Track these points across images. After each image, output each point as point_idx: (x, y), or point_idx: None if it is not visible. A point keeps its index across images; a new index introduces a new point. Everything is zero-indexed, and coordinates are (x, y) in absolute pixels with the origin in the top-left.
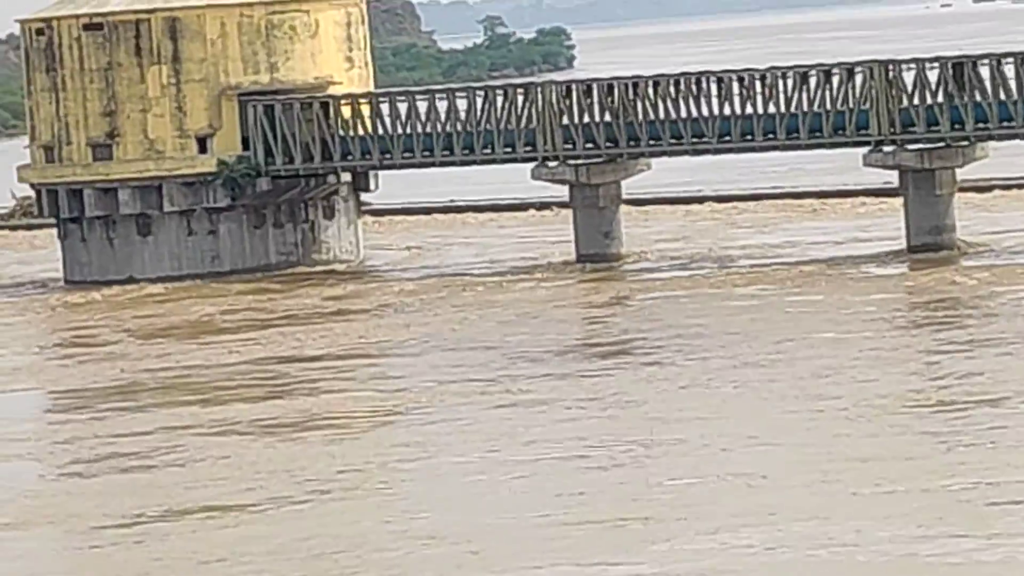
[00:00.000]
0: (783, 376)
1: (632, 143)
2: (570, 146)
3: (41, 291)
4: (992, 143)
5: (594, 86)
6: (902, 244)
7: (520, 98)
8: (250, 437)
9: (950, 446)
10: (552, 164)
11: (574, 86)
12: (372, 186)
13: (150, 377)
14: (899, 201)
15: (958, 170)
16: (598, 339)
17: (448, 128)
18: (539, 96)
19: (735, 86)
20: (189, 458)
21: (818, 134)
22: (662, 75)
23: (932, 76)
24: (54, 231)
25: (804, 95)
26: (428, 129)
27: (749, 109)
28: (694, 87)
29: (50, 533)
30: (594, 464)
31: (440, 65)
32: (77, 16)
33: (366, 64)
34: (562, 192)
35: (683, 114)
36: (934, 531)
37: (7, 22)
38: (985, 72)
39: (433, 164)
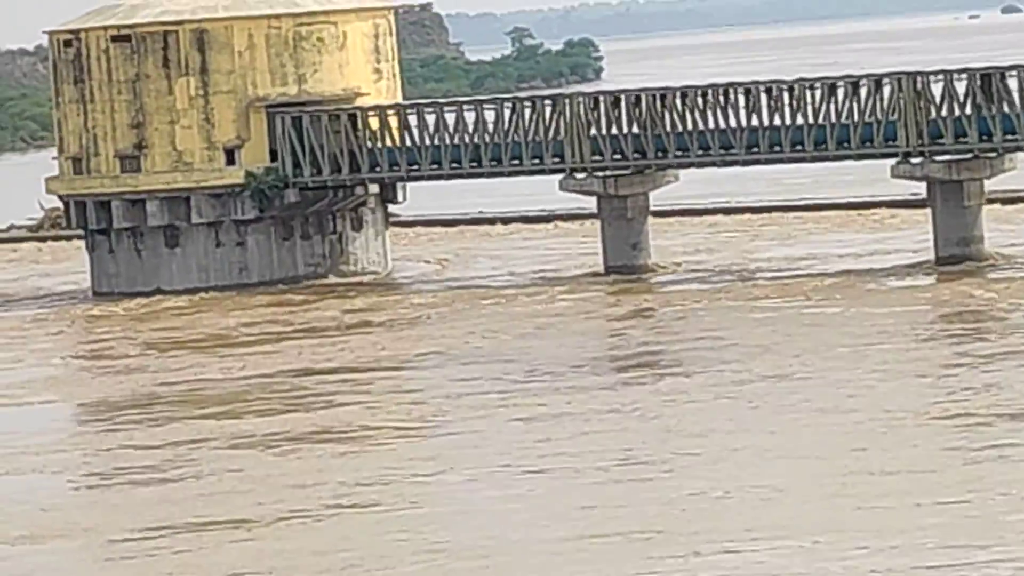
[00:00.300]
0: (802, 389)
1: (660, 155)
2: (598, 158)
3: (67, 303)
4: (1020, 154)
5: (622, 97)
6: (925, 256)
7: (548, 110)
8: (265, 450)
9: (967, 460)
10: (580, 176)
11: (602, 97)
12: (400, 198)
13: (167, 390)
14: (923, 213)
15: (986, 181)
16: (617, 352)
17: (476, 140)
18: (567, 108)
19: (763, 97)
20: (203, 471)
21: (846, 145)
22: (690, 86)
23: (960, 87)
24: (82, 242)
25: (832, 106)
26: (456, 141)
27: (777, 121)
28: (722, 98)
29: (64, 546)
30: (610, 478)
31: (468, 76)
32: (105, 28)
33: (394, 75)
34: (590, 204)
35: (711, 125)
36: (949, 546)
37: (35, 33)
38: (1013, 83)
39: (461, 176)
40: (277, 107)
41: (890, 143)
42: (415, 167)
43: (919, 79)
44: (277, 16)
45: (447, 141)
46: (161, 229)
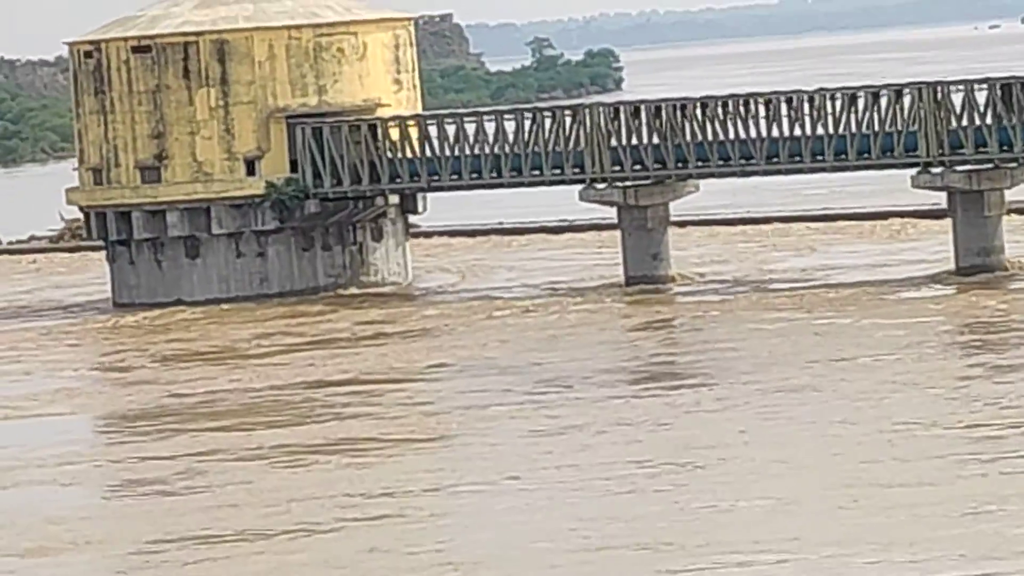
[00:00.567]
0: (814, 401)
1: (680, 165)
2: (618, 168)
3: (86, 314)
4: None
5: (642, 108)
6: (942, 267)
7: (568, 120)
8: (274, 462)
9: (978, 472)
10: (600, 186)
11: (622, 108)
12: (420, 208)
13: (178, 402)
14: (939, 223)
15: (1006, 191)
16: (630, 363)
17: (496, 150)
18: (587, 118)
19: (783, 107)
20: (212, 484)
21: (866, 156)
22: (710, 96)
23: (980, 97)
24: (102, 253)
25: (852, 117)
26: (476, 151)
27: (797, 131)
28: (742, 109)
29: (73, 559)
30: (619, 489)
31: (488, 87)
32: (126, 38)
33: (414, 86)
34: (610, 214)
35: (731, 136)
36: (960, 558)
37: (56, 44)
38: None
39: (481, 186)
40: (297, 118)
41: (910, 153)
42: (435, 178)
43: (939, 89)
44: (297, 27)
45: (467, 152)
46: (181, 240)
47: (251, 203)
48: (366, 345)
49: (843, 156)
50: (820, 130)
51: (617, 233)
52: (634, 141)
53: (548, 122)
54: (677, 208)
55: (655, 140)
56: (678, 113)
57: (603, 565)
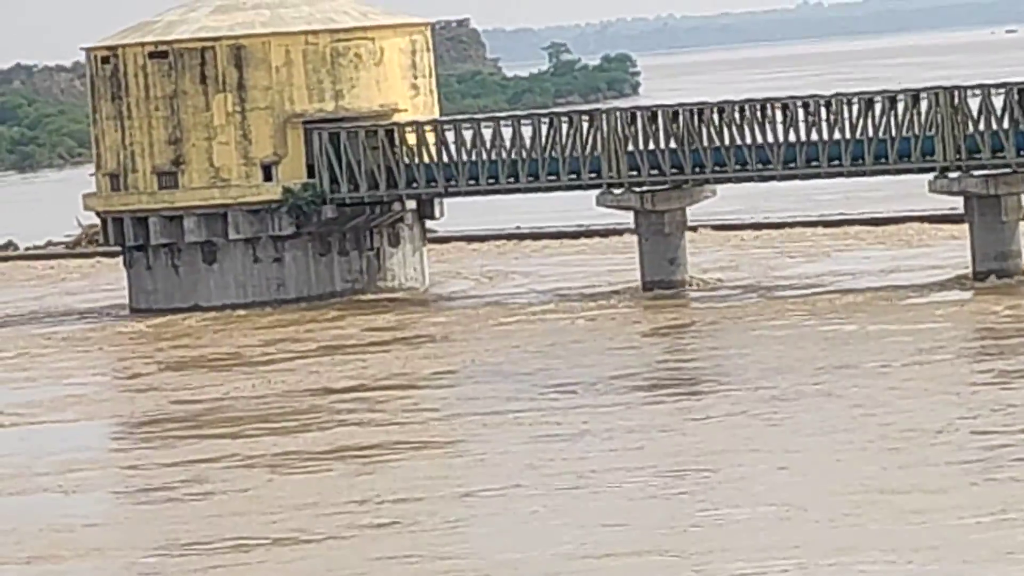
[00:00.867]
0: (823, 407)
1: (697, 169)
2: (635, 173)
3: (102, 320)
4: None
5: (659, 113)
6: (955, 272)
7: (585, 125)
8: (277, 470)
9: (987, 479)
10: (617, 191)
11: (639, 113)
12: (437, 213)
13: (184, 409)
14: (955, 228)
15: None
16: (640, 370)
17: (513, 155)
18: (604, 123)
19: (800, 112)
20: (217, 491)
21: (883, 160)
22: (727, 101)
23: (997, 102)
24: (120, 259)
25: (869, 121)
26: (493, 156)
27: (814, 136)
28: (759, 114)
29: (78, 567)
30: (625, 495)
31: (505, 92)
32: (143, 44)
33: (431, 91)
34: (627, 219)
35: (748, 141)
36: (968, 563)
37: (73, 50)
38: None
39: (498, 191)
40: (314, 123)
41: (927, 158)
42: (452, 183)
43: (956, 94)
44: (314, 32)
45: (484, 157)
46: (198, 245)
47: (268, 208)
48: (376, 352)
49: (860, 161)
50: (837, 135)
51: (634, 238)
52: (651, 146)
53: (565, 127)
54: (693, 213)
55: (672, 145)
56: (695, 118)
57: (610, 571)
